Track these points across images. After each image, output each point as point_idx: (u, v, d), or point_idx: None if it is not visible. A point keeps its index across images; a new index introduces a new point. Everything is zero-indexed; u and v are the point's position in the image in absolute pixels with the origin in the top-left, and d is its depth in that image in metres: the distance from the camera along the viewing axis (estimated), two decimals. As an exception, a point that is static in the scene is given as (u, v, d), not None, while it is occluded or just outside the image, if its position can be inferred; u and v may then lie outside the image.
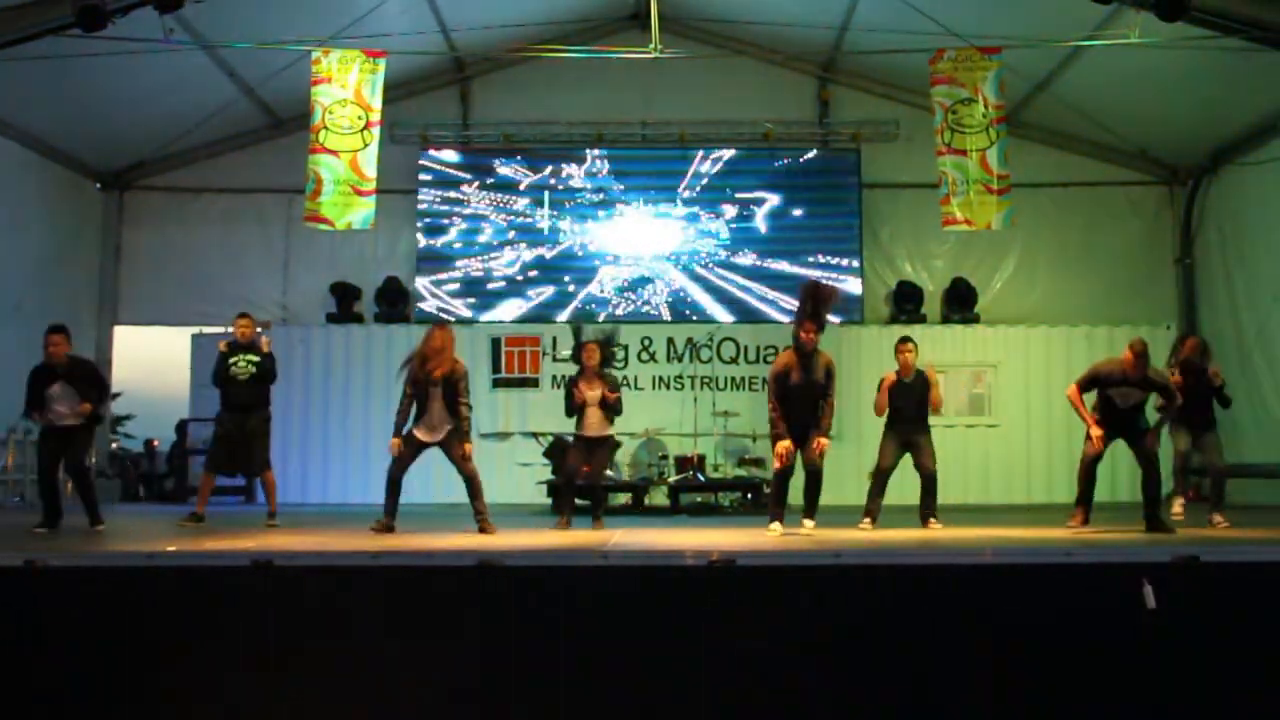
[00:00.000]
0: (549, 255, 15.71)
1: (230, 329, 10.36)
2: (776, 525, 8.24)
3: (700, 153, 15.79)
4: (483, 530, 8.27)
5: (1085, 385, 8.55)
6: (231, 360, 9.60)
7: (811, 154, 15.88)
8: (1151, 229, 15.77)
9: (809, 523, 8.32)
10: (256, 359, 9.63)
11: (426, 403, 8.47)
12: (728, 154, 15.79)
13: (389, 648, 5.54)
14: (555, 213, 15.78)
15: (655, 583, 5.77)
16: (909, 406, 9.30)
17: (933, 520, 9.11)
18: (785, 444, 8.29)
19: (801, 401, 8.43)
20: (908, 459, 9.39)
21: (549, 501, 12.77)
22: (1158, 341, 14.74)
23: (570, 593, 5.71)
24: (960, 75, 12.00)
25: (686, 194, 15.80)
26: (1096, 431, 8.37)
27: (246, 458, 9.82)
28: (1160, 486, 8.35)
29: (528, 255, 15.71)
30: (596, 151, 15.80)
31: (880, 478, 9.34)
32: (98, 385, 9.11)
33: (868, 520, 9.09)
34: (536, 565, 5.97)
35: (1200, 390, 9.42)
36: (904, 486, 9.59)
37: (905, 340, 9.49)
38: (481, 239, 15.72)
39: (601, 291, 15.66)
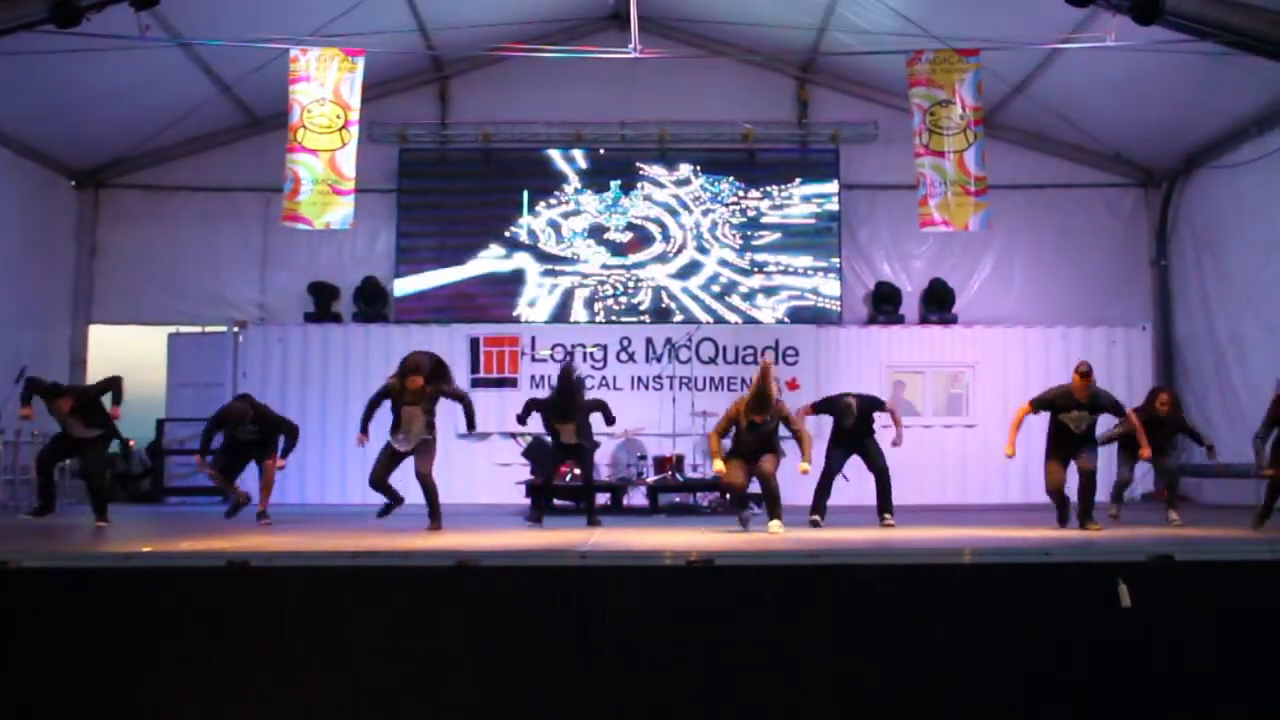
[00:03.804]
0: (527, 255, 15.70)
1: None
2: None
3: (679, 153, 15.80)
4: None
5: (1038, 406, 9.10)
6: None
7: (790, 154, 15.92)
8: (1127, 231, 15.88)
9: (775, 524, 8.43)
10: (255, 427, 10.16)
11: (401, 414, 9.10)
12: (707, 154, 15.82)
13: (367, 648, 5.52)
14: (533, 213, 15.77)
15: (634, 582, 5.77)
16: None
17: (888, 517, 9.65)
18: (719, 466, 8.73)
19: (753, 441, 8.77)
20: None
21: (528, 501, 12.75)
22: (1134, 341, 14.97)
23: (549, 593, 5.71)
24: (938, 77, 12.05)
25: (664, 194, 15.81)
26: (1010, 451, 9.14)
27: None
28: (1093, 497, 8.78)
29: (506, 255, 15.69)
30: (575, 151, 15.80)
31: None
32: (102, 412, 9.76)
33: (816, 517, 9.59)
34: (515, 565, 5.96)
35: (1157, 432, 9.59)
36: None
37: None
38: (460, 238, 15.70)
39: (579, 291, 15.65)
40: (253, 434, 10.10)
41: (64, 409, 9.51)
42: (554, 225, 15.75)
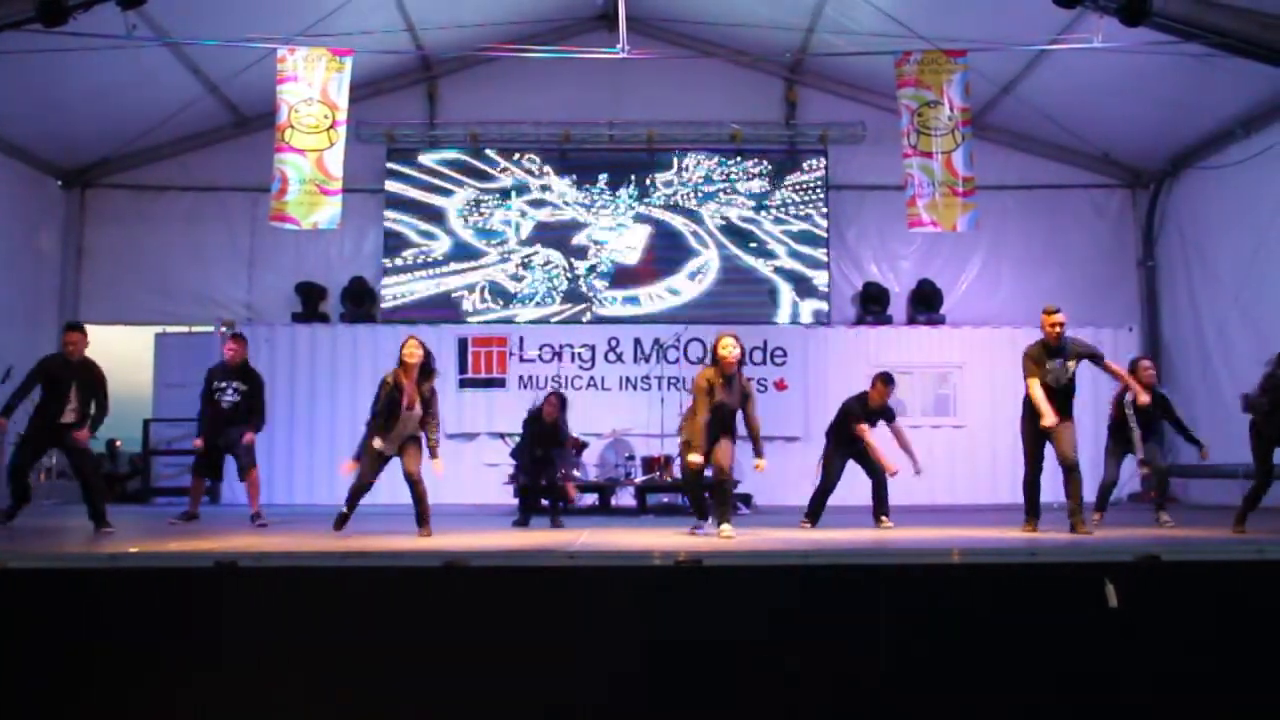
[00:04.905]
0: (515, 255, 15.69)
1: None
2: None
3: (667, 153, 15.82)
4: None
5: (1029, 373, 8.54)
6: (219, 384, 9.92)
7: (778, 155, 15.93)
8: (1115, 232, 15.95)
9: (726, 528, 7.90)
10: (244, 389, 9.94)
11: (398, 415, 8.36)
12: (695, 154, 15.84)
13: (356, 650, 5.50)
14: (521, 213, 15.76)
15: (624, 583, 5.76)
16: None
17: (885, 519, 9.47)
18: (697, 458, 8.15)
19: (721, 416, 8.24)
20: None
21: (516, 502, 12.72)
22: (1120, 342, 15.02)
23: (539, 593, 5.70)
24: (926, 78, 12.08)
25: (652, 194, 15.82)
26: (1051, 420, 8.22)
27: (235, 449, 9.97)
28: (1080, 493, 8.39)
29: (494, 255, 15.68)
30: (564, 149, 15.79)
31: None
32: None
33: (807, 523, 9.39)
34: (504, 566, 5.95)
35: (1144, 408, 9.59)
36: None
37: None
38: (448, 238, 15.69)
39: (568, 291, 15.64)
40: (237, 393, 9.87)
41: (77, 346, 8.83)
42: (541, 225, 15.74)
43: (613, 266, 15.72)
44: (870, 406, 9.65)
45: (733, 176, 15.84)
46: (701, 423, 8.13)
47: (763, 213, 15.79)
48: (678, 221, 15.80)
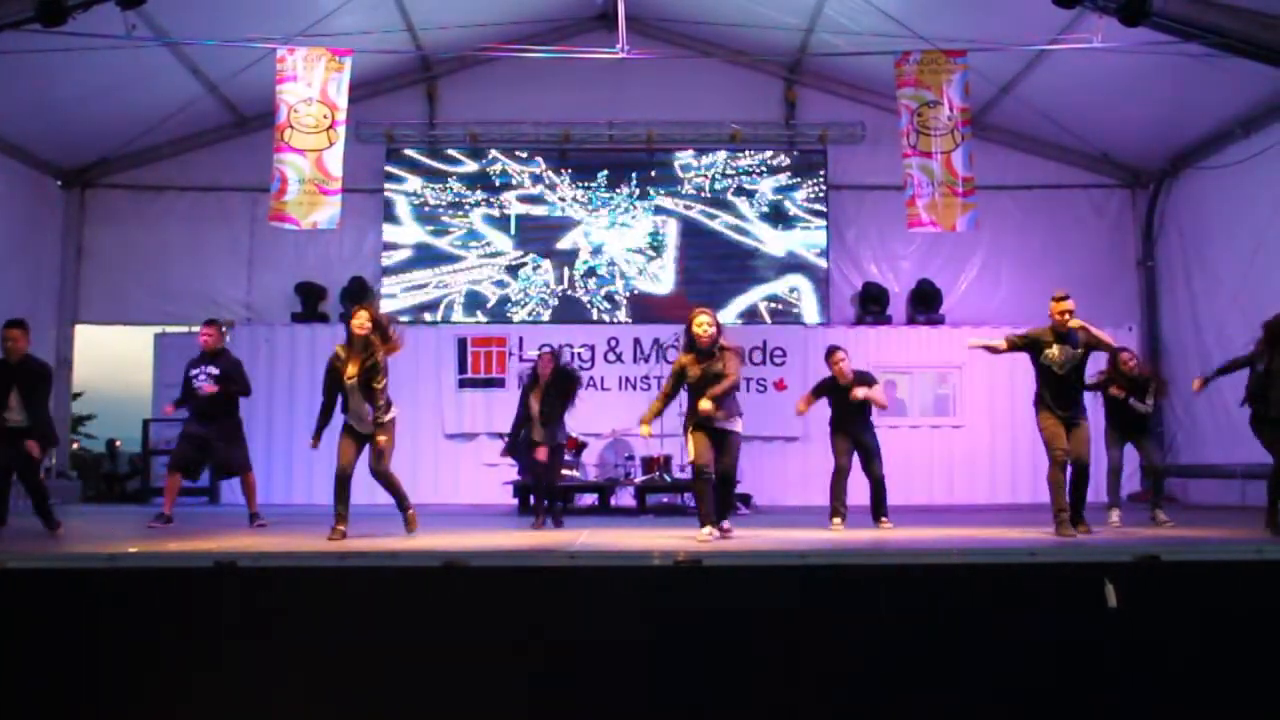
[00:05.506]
0: (515, 255, 15.68)
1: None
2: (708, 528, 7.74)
3: (667, 153, 15.82)
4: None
5: (1015, 343, 8.57)
6: (193, 373, 9.57)
7: (778, 155, 15.92)
8: (1114, 231, 15.94)
9: (725, 523, 7.92)
10: (216, 371, 9.55)
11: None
12: (694, 154, 15.83)
13: (355, 650, 5.50)
14: (521, 213, 15.75)
15: (623, 583, 5.76)
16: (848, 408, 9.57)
17: (884, 520, 9.37)
18: (645, 430, 8.53)
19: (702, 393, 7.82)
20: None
21: (515, 502, 12.72)
22: (1120, 342, 14.97)
23: (538, 593, 5.70)
24: (926, 78, 12.08)
25: (654, 194, 15.81)
26: (1001, 344, 8.54)
27: (225, 458, 9.72)
28: (1085, 494, 8.20)
29: (493, 255, 15.67)
30: (564, 149, 15.79)
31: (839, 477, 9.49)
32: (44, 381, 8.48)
33: (837, 520, 9.20)
34: (504, 566, 5.95)
35: (1137, 396, 9.75)
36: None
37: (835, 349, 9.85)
38: (447, 238, 15.68)
39: (569, 292, 15.64)
40: (211, 378, 9.39)
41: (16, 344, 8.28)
42: (540, 225, 15.73)
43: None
44: (841, 383, 9.56)
45: (731, 176, 15.79)
46: (660, 405, 8.33)
47: (761, 212, 15.72)
48: (675, 220, 15.76)
